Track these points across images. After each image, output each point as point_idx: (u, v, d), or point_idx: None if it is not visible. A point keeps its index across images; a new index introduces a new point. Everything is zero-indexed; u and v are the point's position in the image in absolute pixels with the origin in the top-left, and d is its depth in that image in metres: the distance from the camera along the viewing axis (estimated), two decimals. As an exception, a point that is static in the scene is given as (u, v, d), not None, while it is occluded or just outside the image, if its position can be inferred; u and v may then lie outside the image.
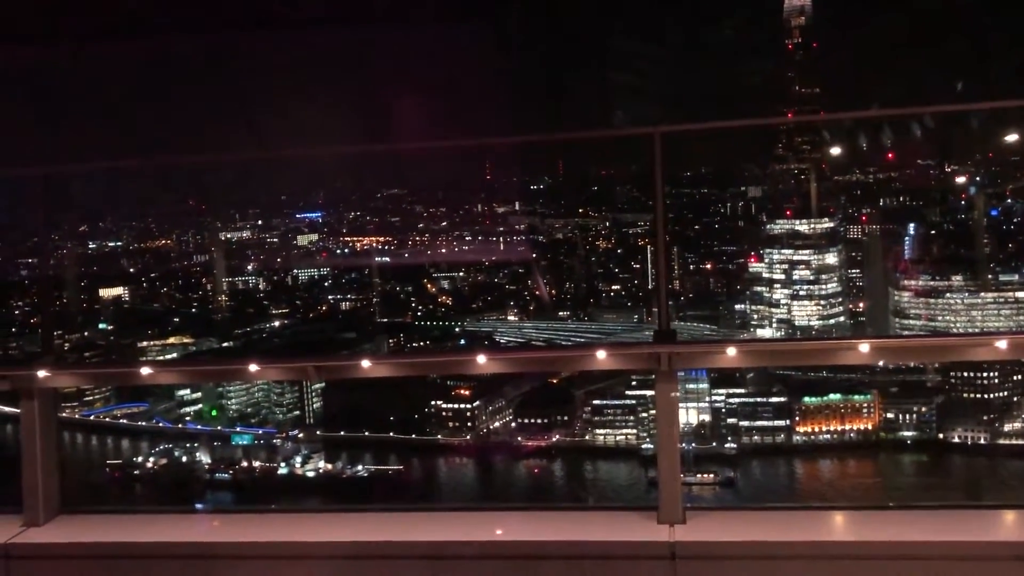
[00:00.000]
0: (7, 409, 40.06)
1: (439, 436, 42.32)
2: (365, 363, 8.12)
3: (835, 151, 45.63)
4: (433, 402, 42.57)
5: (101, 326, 42.70)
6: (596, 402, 42.04)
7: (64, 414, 42.86)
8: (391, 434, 42.58)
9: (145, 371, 10.11)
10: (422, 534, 8.33)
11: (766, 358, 9.05)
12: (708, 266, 46.09)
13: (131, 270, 44.58)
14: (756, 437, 40.90)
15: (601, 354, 6.04)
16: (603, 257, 47.34)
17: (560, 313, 46.24)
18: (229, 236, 45.33)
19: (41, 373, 9.80)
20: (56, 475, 10.35)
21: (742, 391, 41.24)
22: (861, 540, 5.81)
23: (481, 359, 6.81)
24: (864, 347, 5.73)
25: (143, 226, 44.89)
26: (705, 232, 46.15)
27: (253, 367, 9.45)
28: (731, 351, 5.92)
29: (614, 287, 46.32)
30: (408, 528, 9.07)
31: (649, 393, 41.22)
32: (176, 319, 43.29)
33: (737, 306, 45.29)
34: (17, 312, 41.41)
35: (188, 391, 42.26)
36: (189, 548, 9.55)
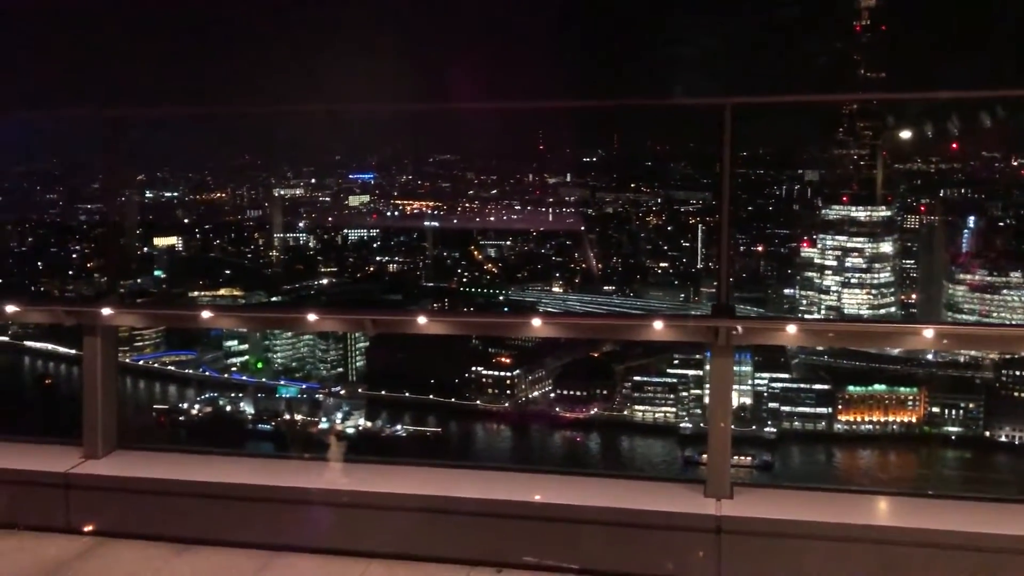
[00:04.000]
0: (63, 350, 41.27)
1: (478, 402, 42.64)
2: (421, 319, 8.20)
3: (900, 136, 44.59)
4: (474, 368, 42.83)
5: (157, 273, 43.56)
6: (637, 378, 41.97)
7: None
8: (431, 397, 42.99)
9: (205, 315, 10.32)
10: (464, 490, 8.43)
11: (827, 338, 8.84)
12: (759, 248, 45.51)
13: (185, 221, 45.34)
14: (797, 423, 40.55)
15: (658, 324, 5.99)
16: (653, 234, 46.99)
17: (605, 288, 46.10)
18: (283, 193, 45.87)
19: (105, 311, 10.08)
20: (115, 411, 10.68)
21: (786, 376, 40.85)
22: (908, 526, 5.74)
23: (536, 322, 6.82)
24: (928, 332, 5.60)
25: (200, 178, 45.60)
26: (759, 214, 45.53)
27: (312, 316, 9.62)
28: (791, 328, 5.84)
29: (662, 264, 46.00)
30: (450, 484, 9.21)
31: (691, 372, 41.02)
32: (228, 271, 44.01)
33: (786, 291, 44.71)
34: (75, 256, 42.45)
35: (235, 342, 43.08)
36: (239, 489, 9.82)
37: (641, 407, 41.79)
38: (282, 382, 43.08)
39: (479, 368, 42.90)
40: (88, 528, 9.97)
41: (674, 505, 6.00)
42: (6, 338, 42.12)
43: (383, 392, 43.00)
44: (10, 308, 11.54)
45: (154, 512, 9.89)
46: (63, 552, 9.50)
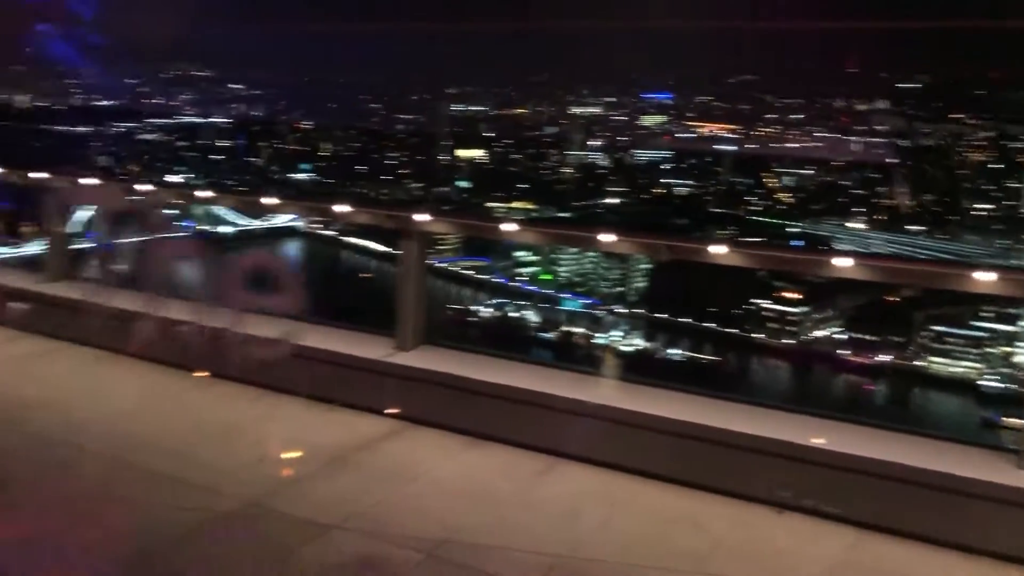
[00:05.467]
0: (374, 246, 45.46)
1: (759, 335, 41.49)
2: (718, 249, 8.13)
3: None
4: (757, 301, 41.60)
5: (459, 184, 46.30)
6: (938, 328, 38.55)
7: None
8: (711, 325, 42.46)
9: (509, 227, 10.99)
10: (741, 425, 8.36)
11: None
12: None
13: (489, 135, 47.48)
14: None
15: (988, 276, 5.47)
16: (975, 171, 42.18)
17: (911, 228, 42.38)
18: (579, 111, 46.50)
19: (421, 217, 11.03)
20: (424, 310, 11.76)
21: None
22: None
23: (845, 262, 6.51)
24: None
25: (504, 94, 47.37)
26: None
27: (609, 237, 9.92)
28: None
29: (983, 206, 41.26)
30: (728, 416, 9.19)
31: (1001, 327, 37.00)
32: (524, 185, 45.79)
33: None
34: (389, 163, 46.18)
35: (525, 253, 44.99)
36: (526, 394, 10.50)
37: (939, 359, 38.49)
38: (566, 295, 44.56)
39: (763, 301, 41.58)
40: (394, 412, 11.17)
41: (980, 472, 5.60)
42: (331, 232, 47.03)
43: (663, 315, 43.08)
44: (340, 209, 12.97)
45: (452, 405, 10.86)
46: (373, 430, 10.74)
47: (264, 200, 14.62)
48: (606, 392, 10.38)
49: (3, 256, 22.66)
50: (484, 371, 10.95)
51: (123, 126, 43.67)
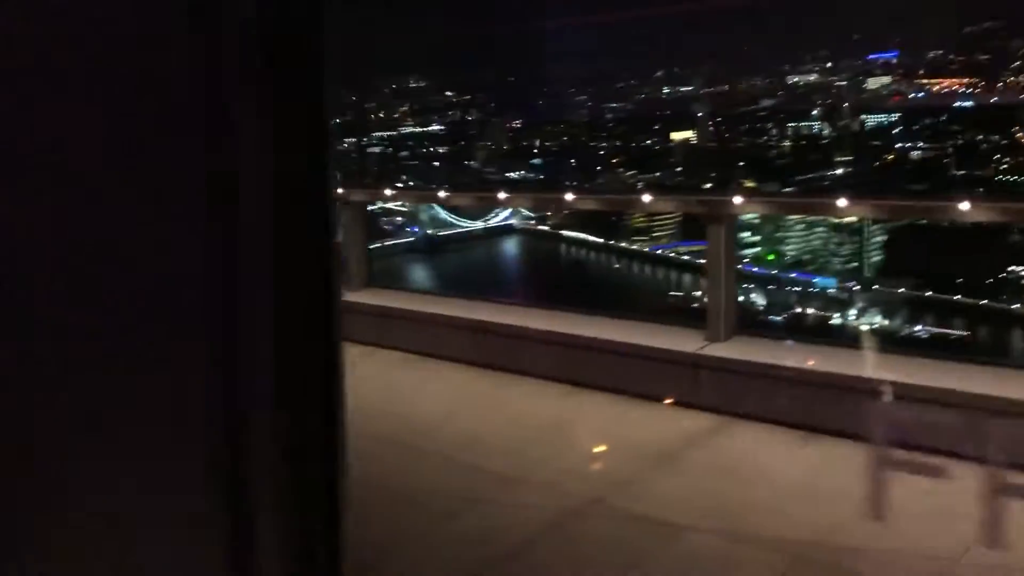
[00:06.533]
0: (591, 238, 45.52)
1: (1016, 305, 37.96)
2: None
3: None
4: (1011, 268, 38.07)
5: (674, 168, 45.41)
6: None
7: (635, 247, 47.43)
8: (958, 297, 39.31)
9: (841, 203, 10.34)
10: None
11: None
12: None
13: (699, 114, 46.21)
14: None
15: None
16: None
17: None
18: (796, 80, 44.27)
19: (736, 200, 10.59)
20: (734, 298, 11.32)
21: None
22: None
23: None
24: None
25: (712, 70, 45.92)
26: None
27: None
28: None
29: None
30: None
31: None
32: (741, 163, 44.21)
33: None
34: (601, 152, 45.97)
35: (748, 234, 43.38)
36: (861, 383, 9.83)
37: None
38: (793, 275, 42.63)
39: (1018, 268, 38.00)
40: (712, 406, 10.82)
41: None
42: (546, 227, 47.57)
43: (902, 290, 40.32)
44: (646, 198, 12.73)
45: (778, 397, 10.37)
46: (695, 425, 10.47)
47: (567, 196, 14.91)
48: (952, 376, 9.57)
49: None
50: (809, 359, 10.41)
51: (347, 141, 46.21)
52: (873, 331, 39.93)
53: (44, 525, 1.16)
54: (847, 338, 38.60)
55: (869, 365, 10.07)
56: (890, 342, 38.14)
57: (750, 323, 42.72)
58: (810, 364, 10.02)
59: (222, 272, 1.27)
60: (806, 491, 8.56)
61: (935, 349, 37.09)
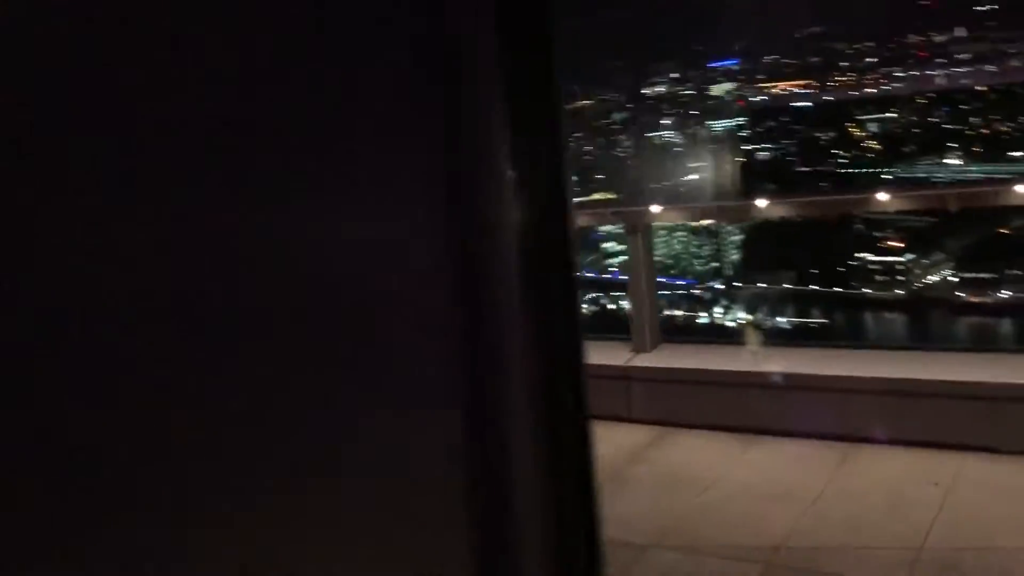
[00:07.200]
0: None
1: (866, 290, 40.18)
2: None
3: None
4: (859, 255, 40.34)
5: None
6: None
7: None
8: (813, 287, 41.27)
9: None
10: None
11: None
12: None
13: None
14: None
15: None
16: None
17: (1014, 153, 40.59)
18: (646, 91, 45.51)
19: (654, 208, 10.28)
20: (657, 307, 11.02)
21: None
22: None
23: None
24: None
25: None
26: None
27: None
28: None
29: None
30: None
31: None
32: (599, 176, 44.97)
33: None
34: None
35: (613, 244, 44.11)
36: (801, 380, 9.75)
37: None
38: (661, 279, 43.62)
39: (865, 254, 40.33)
40: (645, 418, 10.47)
41: None
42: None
43: (761, 285, 42.00)
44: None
45: (713, 402, 10.14)
46: (632, 439, 10.08)
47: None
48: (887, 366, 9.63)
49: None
50: (742, 362, 10.26)
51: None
52: (742, 326, 41.26)
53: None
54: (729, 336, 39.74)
55: (824, 361, 10.04)
56: (767, 335, 39.55)
57: (623, 328, 43.64)
58: (750, 367, 9.89)
59: (463, 273, 1.21)
60: (761, 494, 8.32)
61: (802, 338, 38.74)
